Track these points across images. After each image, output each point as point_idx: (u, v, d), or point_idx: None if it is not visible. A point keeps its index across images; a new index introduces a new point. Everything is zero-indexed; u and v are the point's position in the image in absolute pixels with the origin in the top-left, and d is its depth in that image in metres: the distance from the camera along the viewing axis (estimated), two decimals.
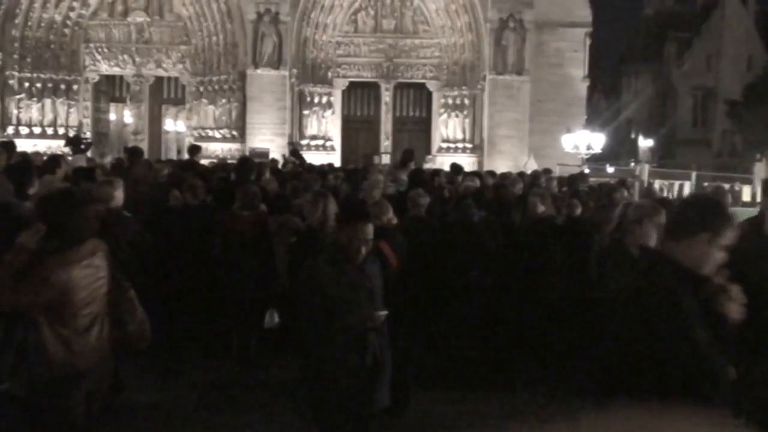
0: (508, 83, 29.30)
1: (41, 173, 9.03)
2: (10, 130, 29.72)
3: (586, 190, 11.77)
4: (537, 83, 29.47)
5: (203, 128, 30.61)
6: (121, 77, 32.33)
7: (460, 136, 31.28)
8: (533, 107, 29.49)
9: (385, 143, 31.81)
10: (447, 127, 31.41)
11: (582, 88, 30.91)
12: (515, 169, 22.33)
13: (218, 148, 29.18)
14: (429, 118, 32.41)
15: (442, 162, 26.88)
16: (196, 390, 7.91)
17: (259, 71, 29.18)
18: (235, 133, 29.97)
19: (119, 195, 7.34)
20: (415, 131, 32.68)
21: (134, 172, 10.94)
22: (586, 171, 23.66)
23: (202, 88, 30.90)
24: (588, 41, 30.85)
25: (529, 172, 18.35)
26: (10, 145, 10.91)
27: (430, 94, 32.08)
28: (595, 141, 28.47)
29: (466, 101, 31.17)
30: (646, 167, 24.27)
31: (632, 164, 36.06)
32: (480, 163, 28.87)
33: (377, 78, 31.81)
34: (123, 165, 12.88)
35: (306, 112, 30.92)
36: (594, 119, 34.64)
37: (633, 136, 59.48)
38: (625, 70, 65.68)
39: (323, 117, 31.18)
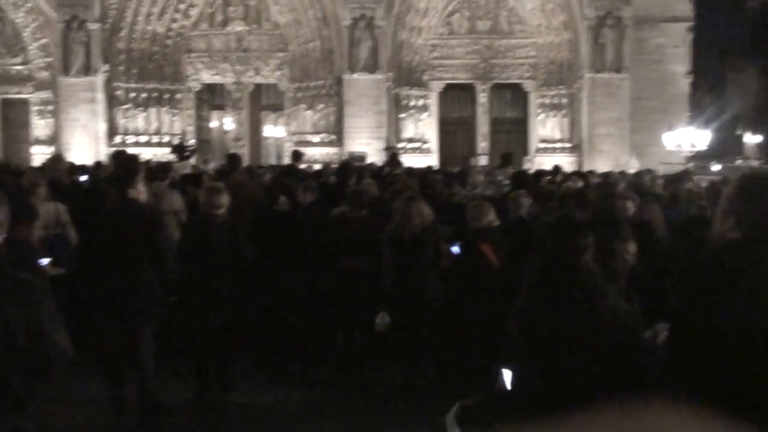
0: (608, 81, 28.74)
1: (152, 179, 9.34)
2: (118, 139, 30.76)
3: (694, 189, 11.45)
4: (637, 80, 28.83)
5: (301, 133, 31.07)
6: (222, 85, 33.09)
7: (558, 136, 30.86)
8: (633, 105, 28.84)
9: (482, 145, 31.63)
10: (545, 127, 31.05)
11: (684, 84, 30.10)
12: (616, 168, 21.89)
13: (316, 153, 29.55)
14: (526, 119, 32.07)
15: (541, 163, 26.58)
16: (302, 391, 8.01)
17: (355, 76, 29.42)
18: (333, 137, 30.31)
19: (227, 201, 7.50)
20: (512, 132, 32.39)
21: (234, 178, 11.17)
22: (690, 169, 23.04)
23: (300, 94, 31.37)
24: (689, 36, 30.03)
25: (631, 171, 17.97)
26: (120, 154, 11.30)
27: (526, 94, 31.74)
28: (699, 138, 27.69)
29: (564, 100, 30.75)
30: (754, 164, 23.46)
31: (738, 162, 34.90)
32: (579, 163, 28.41)
33: (473, 79, 31.67)
34: (224, 171, 13.16)
35: (402, 115, 31.03)
36: (698, 116, 33.66)
37: (739, 132, 57.54)
38: (730, 64, 63.62)
39: (419, 120, 31.24)
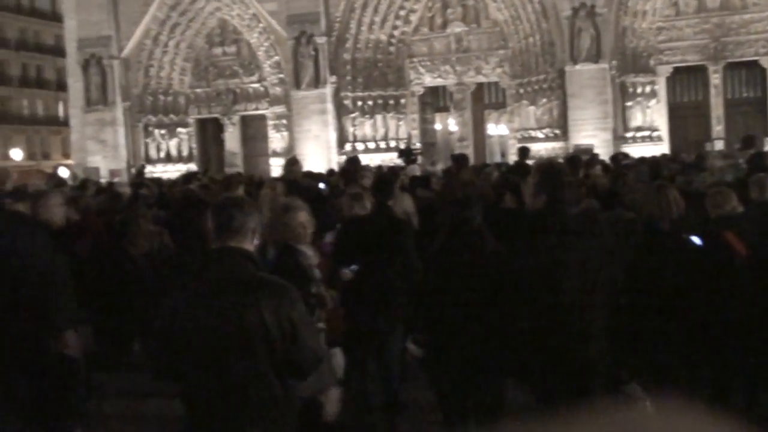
0: None
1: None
2: (348, 146, 31.96)
3: None
4: None
5: (525, 129, 30.85)
6: (444, 87, 33.52)
7: None
8: None
9: (717, 129, 29.94)
10: None
11: None
12: None
13: (541, 148, 29.21)
14: (765, 98, 30.02)
15: None
16: None
17: (578, 67, 28.81)
18: (557, 131, 29.85)
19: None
20: (750, 113, 30.40)
21: (462, 178, 11.28)
22: None
23: (521, 90, 31.17)
24: None
25: None
26: (354, 160, 11.73)
27: (764, 71, 29.70)
28: None
29: None
30: None
31: None
32: None
33: (704, 60, 30.06)
34: (452, 172, 13.33)
35: (629, 103, 29.98)
36: None
37: None
38: None
39: (647, 107, 30.06)
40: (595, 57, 28.68)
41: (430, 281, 5.95)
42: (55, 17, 50.67)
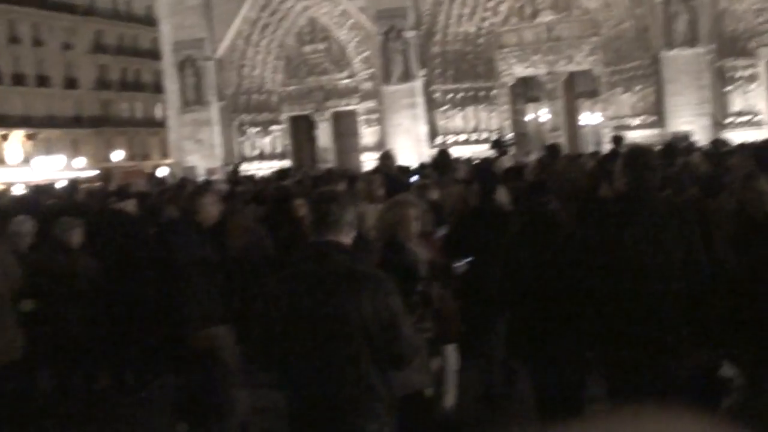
0: None
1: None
2: (439, 140, 31.90)
3: None
4: None
5: (620, 117, 30.23)
6: (535, 77, 33.12)
7: None
8: None
9: None
10: None
11: None
12: None
13: (637, 136, 28.55)
14: None
15: None
16: None
17: (673, 52, 28.07)
18: (653, 118, 29.15)
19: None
20: None
21: (556, 168, 11.16)
22: None
23: (615, 78, 30.55)
24: None
25: None
26: (444, 153, 11.74)
27: None
28: None
29: None
30: None
31: None
32: None
33: None
34: (546, 162, 13.18)
35: (728, 88, 29.02)
36: None
37: None
38: None
39: (747, 91, 29.05)
40: (692, 41, 27.88)
41: (511, 267, 5.97)
42: (151, 22, 52.03)
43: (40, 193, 11.99)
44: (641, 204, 4.98)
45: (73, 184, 12.67)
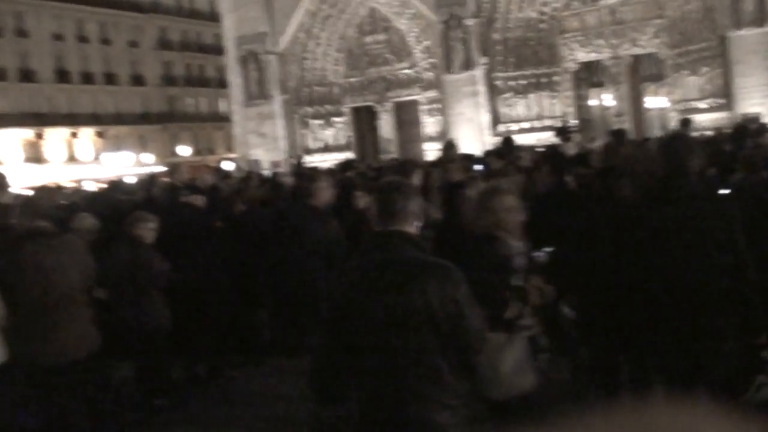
0: None
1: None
2: (501, 128, 31.70)
3: None
4: None
5: (686, 101, 29.62)
6: (598, 62, 32.64)
7: None
8: None
9: None
10: None
11: None
12: None
13: (705, 119, 27.98)
14: None
15: None
16: None
17: (741, 32, 27.35)
18: (721, 101, 28.50)
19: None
20: None
21: (623, 153, 11.00)
22: None
23: (681, 60, 29.93)
24: None
25: None
26: (508, 140, 11.68)
27: None
28: None
29: None
30: None
31: None
32: None
33: None
34: (612, 148, 13.02)
35: None
36: None
37: None
38: None
39: None
40: (760, 21, 27.13)
41: (581, 247, 5.92)
42: (214, 17, 52.75)
43: (115, 188, 12.27)
44: (676, 187, 4.95)
45: (152, 178, 12.92)
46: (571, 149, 15.25)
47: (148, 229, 7.95)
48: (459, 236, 6.61)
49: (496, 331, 4.83)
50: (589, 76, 33.70)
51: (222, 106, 66.16)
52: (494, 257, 5.16)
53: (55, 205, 10.38)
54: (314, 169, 16.90)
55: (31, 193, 11.83)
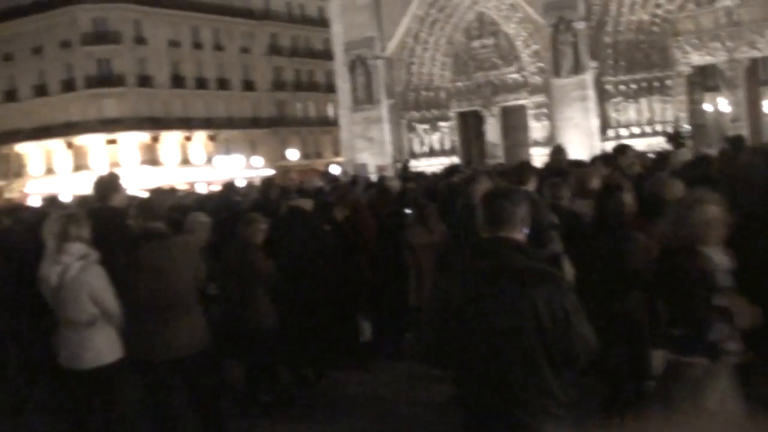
0: None
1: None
2: (611, 133, 31.10)
3: None
4: None
5: None
6: (713, 65, 31.61)
7: None
8: None
9: None
10: None
11: None
12: None
13: None
14: None
15: None
16: None
17: None
18: None
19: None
20: None
21: (741, 160, 10.63)
22: None
23: None
24: None
25: None
26: (622, 148, 11.43)
27: None
28: None
29: None
30: None
31: None
32: None
33: None
34: (728, 154, 12.59)
35: None
36: None
37: None
38: None
39: None
40: None
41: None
42: (323, 23, 53.54)
43: (230, 190, 12.60)
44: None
45: (268, 181, 13.19)
46: (686, 155, 14.81)
47: (257, 230, 8.11)
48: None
49: (697, 356, 4.57)
50: (704, 79, 32.68)
51: (330, 111, 67.08)
52: (693, 273, 4.66)
53: (169, 207, 10.72)
54: (357, 176, 16.83)
55: (146, 194, 12.23)
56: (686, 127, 28.80)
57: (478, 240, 4.10)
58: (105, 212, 7.36)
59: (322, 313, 9.07)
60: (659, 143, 23.75)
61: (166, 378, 6.37)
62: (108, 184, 7.66)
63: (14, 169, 64.84)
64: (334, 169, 33.10)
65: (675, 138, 18.04)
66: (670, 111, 31.13)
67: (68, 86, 62.06)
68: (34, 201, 31.86)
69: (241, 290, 7.93)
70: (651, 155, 13.96)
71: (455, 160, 32.39)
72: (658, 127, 30.15)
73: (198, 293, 6.76)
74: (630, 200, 6.80)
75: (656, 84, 31.36)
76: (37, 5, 61.83)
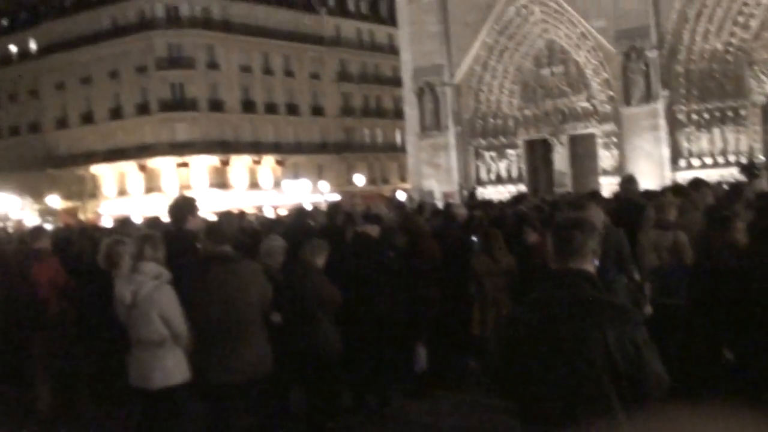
0: None
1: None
2: (682, 163, 30.57)
3: None
4: None
5: None
6: None
7: None
8: None
9: None
10: None
11: None
12: None
13: None
14: None
15: None
16: None
17: None
18: None
19: None
20: None
21: None
22: None
23: None
24: None
25: None
26: (697, 182, 11.22)
27: None
28: None
29: None
30: None
31: None
32: None
33: None
34: None
35: None
36: None
37: None
38: None
39: None
40: None
41: None
42: (392, 50, 53.96)
43: (302, 214, 12.67)
44: None
45: (336, 206, 13.25)
46: (762, 186, 14.45)
47: (319, 256, 8.13)
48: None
49: None
50: None
51: (397, 137, 67.36)
52: None
53: (237, 230, 10.84)
54: (423, 203, 16.51)
55: (214, 218, 12.38)
56: (761, 158, 28.14)
57: (547, 270, 4.05)
58: (180, 235, 7.48)
59: (385, 340, 9.04)
60: (732, 174, 23.24)
61: (229, 402, 6.42)
62: (184, 208, 7.79)
63: (89, 190, 66.51)
64: (400, 195, 33.18)
65: (749, 169, 17.63)
66: (744, 141, 30.45)
67: (142, 110, 63.60)
68: (107, 222, 32.63)
69: (303, 315, 7.94)
70: (725, 186, 13.65)
71: (522, 188, 32.16)
72: (731, 158, 29.51)
73: (264, 318, 6.80)
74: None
75: (730, 113, 30.72)
76: (114, 31, 63.70)
